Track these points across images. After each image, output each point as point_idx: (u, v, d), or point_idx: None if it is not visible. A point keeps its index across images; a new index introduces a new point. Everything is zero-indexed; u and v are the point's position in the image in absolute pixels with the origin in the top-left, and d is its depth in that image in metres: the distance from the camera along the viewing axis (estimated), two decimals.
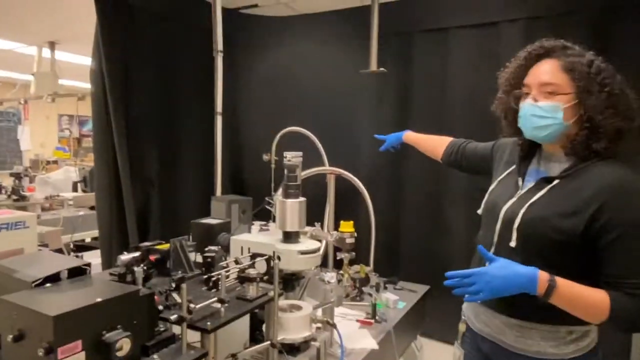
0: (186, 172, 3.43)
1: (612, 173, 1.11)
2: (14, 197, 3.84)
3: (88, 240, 4.18)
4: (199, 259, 1.64)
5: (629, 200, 1.08)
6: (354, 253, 1.99)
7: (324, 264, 1.95)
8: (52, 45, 4.80)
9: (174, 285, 1.27)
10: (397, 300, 2.30)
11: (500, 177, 1.34)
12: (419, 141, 1.95)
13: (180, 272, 1.42)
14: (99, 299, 0.95)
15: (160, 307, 1.18)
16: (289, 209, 1.56)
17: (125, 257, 1.40)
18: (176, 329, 1.17)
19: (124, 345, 0.95)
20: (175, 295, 1.24)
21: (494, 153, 1.48)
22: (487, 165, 1.51)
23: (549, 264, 1.14)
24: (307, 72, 3.62)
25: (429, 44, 3.16)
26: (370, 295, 2.18)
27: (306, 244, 1.60)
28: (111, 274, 1.42)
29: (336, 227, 2.37)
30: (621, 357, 2.51)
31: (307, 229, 1.96)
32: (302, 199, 1.59)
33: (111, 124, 2.95)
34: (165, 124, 3.30)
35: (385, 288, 2.45)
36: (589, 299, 1.11)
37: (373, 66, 3.11)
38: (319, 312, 1.76)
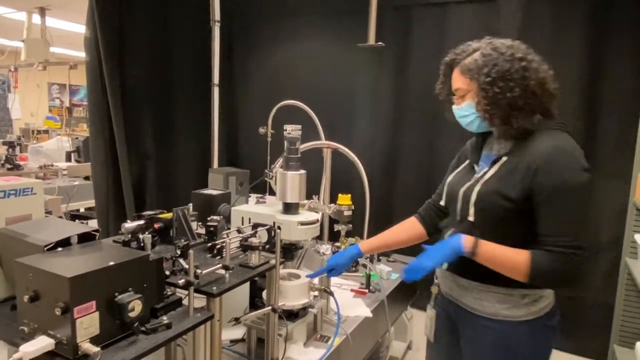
0: (182, 144, 3.44)
1: (545, 142, 1.21)
2: (8, 165, 3.83)
3: (82, 210, 4.20)
4: (200, 230, 1.69)
5: (555, 164, 1.18)
6: (351, 225, 2.04)
7: (319, 237, 2.00)
8: (42, 11, 4.69)
9: (179, 252, 1.32)
10: (390, 271, 2.37)
11: (457, 170, 1.47)
12: (382, 242, 1.64)
13: (183, 240, 1.45)
14: (111, 263, 0.98)
15: (168, 272, 1.22)
16: (290, 181, 1.59)
17: (130, 224, 1.42)
18: (182, 293, 1.21)
19: (136, 306, 1.00)
20: (181, 261, 1.28)
21: (459, 163, 1.53)
22: None
23: (504, 235, 1.24)
24: (304, 46, 3.60)
25: (427, 19, 3.15)
26: (365, 266, 2.26)
27: (305, 215, 1.64)
28: (115, 242, 1.46)
29: (332, 200, 2.42)
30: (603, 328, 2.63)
31: (305, 201, 2.01)
32: (302, 171, 1.62)
33: (106, 93, 2.93)
34: (161, 94, 3.29)
35: (379, 260, 2.52)
36: (512, 257, 1.21)
37: (371, 40, 3.11)
38: (316, 281, 1.83)
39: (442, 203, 1.48)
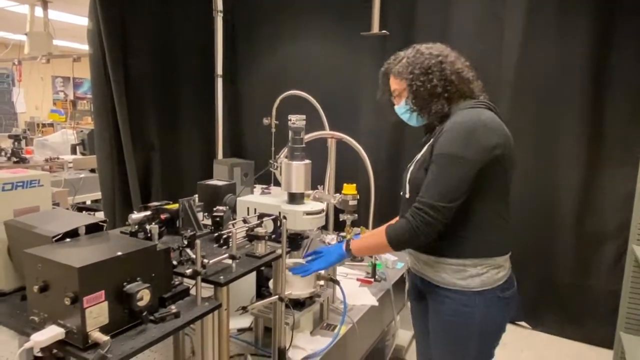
0: (187, 135, 3.44)
1: (450, 120, 1.37)
2: (14, 159, 3.85)
3: (88, 202, 4.22)
4: (206, 220, 1.70)
5: (443, 138, 1.33)
6: (356, 215, 2.04)
7: (324, 226, 2.01)
8: (44, 4, 4.67)
9: (186, 242, 1.33)
10: (395, 260, 2.38)
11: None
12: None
13: (189, 230, 1.46)
14: (119, 253, 0.99)
15: (175, 262, 1.23)
16: (295, 171, 1.60)
17: (137, 215, 1.43)
18: (189, 283, 1.22)
19: (144, 295, 1.01)
20: (188, 251, 1.29)
21: None
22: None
23: None
24: (308, 36, 3.57)
25: (432, 6, 3.12)
26: (371, 256, 2.26)
27: (310, 205, 1.64)
28: (122, 232, 1.47)
29: (337, 190, 2.41)
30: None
31: (310, 191, 2.01)
32: (307, 161, 1.62)
33: (110, 85, 2.93)
34: (165, 86, 3.28)
35: None
36: (374, 236, 1.46)
37: (375, 28, 3.08)
38: (322, 271, 1.84)
39: (402, 193, 1.60)
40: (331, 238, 2.35)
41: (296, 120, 1.62)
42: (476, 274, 1.37)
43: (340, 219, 2.09)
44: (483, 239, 1.38)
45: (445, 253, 1.39)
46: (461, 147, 1.30)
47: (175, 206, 1.57)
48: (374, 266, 2.20)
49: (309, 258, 1.60)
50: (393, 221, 1.45)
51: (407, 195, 1.46)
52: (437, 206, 1.29)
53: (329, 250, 1.58)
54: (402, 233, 1.36)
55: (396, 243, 1.39)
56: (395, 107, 1.56)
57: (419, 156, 1.48)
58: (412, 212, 1.34)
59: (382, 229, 1.42)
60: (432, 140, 1.41)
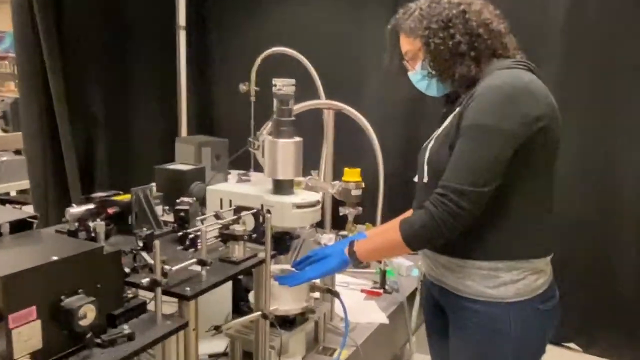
0: (141, 105, 3.42)
1: (481, 84, 1.37)
2: None
3: (13, 193, 4.20)
4: (167, 216, 1.69)
5: (475, 106, 1.33)
6: (360, 208, 2.05)
7: (319, 224, 2.02)
8: None
9: (141, 243, 1.32)
10: (410, 266, 2.40)
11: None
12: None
13: (145, 228, 1.46)
14: (55, 257, 0.98)
15: (127, 270, 1.23)
16: (282, 151, 1.60)
17: (77, 209, 1.44)
18: (146, 296, 1.22)
19: (88, 312, 1.00)
20: (145, 255, 1.29)
21: None
22: None
23: None
24: None
25: None
26: (379, 261, 2.27)
27: (302, 195, 1.66)
28: (58, 232, 1.46)
29: (336, 176, 2.42)
30: None
31: (301, 178, 2.01)
32: (297, 138, 1.62)
33: (40, 40, 2.89)
34: (112, 42, 3.25)
35: None
36: (386, 234, 1.46)
37: None
38: (317, 280, 1.85)
39: (415, 179, 1.62)
40: (329, 238, 2.35)
41: (283, 85, 1.61)
42: (510, 281, 1.38)
43: (341, 214, 2.10)
44: (520, 237, 1.39)
45: (472, 254, 1.40)
46: (497, 117, 1.30)
47: (126, 197, 1.57)
48: (383, 273, 2.22)
49: (302, 264, 1.59)
50: (407, 213, 1.46)
51: (425, 180, 1.47)
52: (466, 191, 1.30)
53: (326, 253, 1.57)
54: (421, 227, 1.36)
55: (414, 240, 1.39)
56: (409, 73, 1.56)
57: (440, 130, 1.49)
58: (433, 200, 1.34)
59: (395, 223, 1.43)
60: (457, 109, 1.42)
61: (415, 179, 1.61)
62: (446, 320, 1.53)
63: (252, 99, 2.97)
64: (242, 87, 2.95)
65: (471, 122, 1.33)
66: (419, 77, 1.52)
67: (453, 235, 1.34)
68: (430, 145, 1.49)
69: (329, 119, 2.67)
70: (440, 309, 1.56)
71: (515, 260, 1.38)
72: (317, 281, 1.81)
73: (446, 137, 1.42)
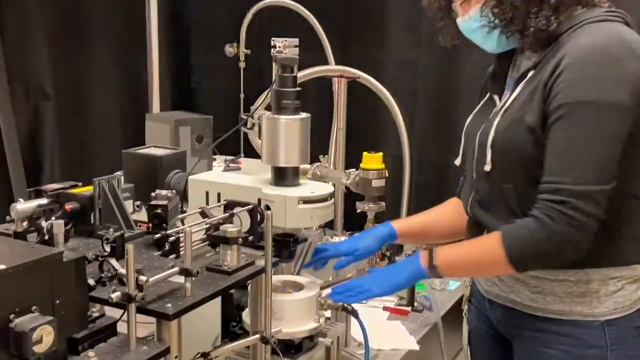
0: (100, 74, 3.42)
1: (574, 42, 1.34)
2: None
3: None
4: (138, 213, 1.72)
5: (574, 71, 1.30)
6: (383, 203, 2.06)
7: (328, 224, 2.02)
8: None
9: (108, 248, 1.32)
10: (445, 279, 2.41)
11: (475, 110, 1.62)
12: (422, 225, 1.85)
13: (112, 229, 1.44)
14: (2, 266, 0.97)
15: (92, 282, 1.23)
16: (284, 130, 1.60)
17: (25, 205, 1.41)
18: (115, 315, 1.24)
19: (44, 335, 0.99)
20: (113, 262, 1.28)
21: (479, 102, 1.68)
22: None
23: (532, 185, 1.36)
24: None
25: None
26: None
27: (310, 187, 1.67)
28: (1, 234, 1.45)
29: (351, 163, 2.43)
30: None
31: (307, 165, 2.02)
32: (304, 114, 1.63)
33: None
34: None
35: None
36: (476, 244, 1.44)
37: None
38: (328, 297, 1.86)
39: (457, 162, 1.62)
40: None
41: (284, 46, 1.61)
42: (605, 294, 1.36)
43: (358, 210, 2.11)
44: (622, 238, 1.37)
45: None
46: (607, 88, 1.28)
47: (87, 190, 1.57)
48: (411, 287, 2.23)
49: (342, 283, 1.59)
50: (495, 233, 1.39)
51: (488, 168, 1.44)
52: (592, 193, 1.26)
53: (394, 266, 1.53)
54: (535, 244, 1.33)
55: (523, 260, 1.35)
56: (460, 19, 1.53)
57: (508, 102, 1.45)
58: (546, 209, 1.30)
59: (493, 237, 1.38)
60: (534, 75, 1.39)
61: (457, 162, 1.62)
62: (508, 354, 1.52)
63: (242, 64, 2.98)
64: (229, 50, 2.96)
65: (574, 97, 1.29)
66: (475, 25, 1.48)
67: (576, 255, 1.31)
68: (495, 123, 1.44)
69: (340, 90, 2.67)
70: (499, 338, 1.54)
71: (611, 267, 1.36)
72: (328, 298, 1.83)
73: (520, 112, 1.39)
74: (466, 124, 1.62)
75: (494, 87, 1.57)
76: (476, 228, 1.56)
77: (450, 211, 1.76)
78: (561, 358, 1.38)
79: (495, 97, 1.54)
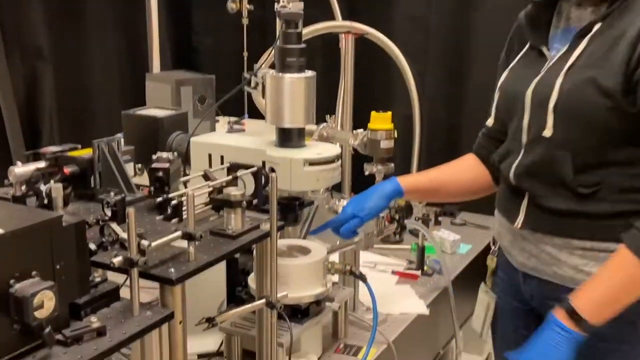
0: (98, 33, 3.40)
1: None
2: None
3: None
4: (139, 176, 1.70)
5: None
6: (392, 165, 2.03)
7: (335, 187, 2.01)
8: None
9: (109, 212, 1.32)
10: (456, 241, 2.41)
11: (513, 63, 1.53)
12: (431, 182, 1.82)
13: (112, 192, 1.45)
14: (0, 231, 0.97)
15: (93, 247, 1.23)
16: (289, 89, 1.59)
17: (23, 169, 1.42)
18: (118, 279, 1.23)
19: (45, 301, 0.99)
20: (115, 226, 1.29)
21: (511, 55, 1.59)
22: None
23: (603, 157, 1.31)
24: None
25: None
26: (415, 233, 2.28)
27: (316, 149, 1.66)
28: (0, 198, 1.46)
29: (358, 123, 2.40)
30: None
31: (313, 126, 2.00)
32: (309, 72, 1.62)
33: None
34: None
35: (439, 222, 2.54)
36: (617, 268, 1.29)
37: None
38: (336, 259, 1.85)
39: (489, 122, 1.58)
40: None
41: (288, 1, 1.59)
42: None
43: (366, 172, 2.08)
44: None
45: (605, 231, 1.34)
46: None
47: (86, 152, 1.57)
48: (421, 250, 2.22)
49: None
50: (621, 246, 1.30)
51: (549, 134, 1.36)
52: None
53: (542, 338, 1.34)
54: None
55: None
56: None
57: (572, 58, 1.35)
58: None
59: (622, 255, 1.29)
60: (598, 26, 1.33)
61: (489, 123, 1.58)
62: (537, 327, 1.45)
63: (245, 21, 2.94)
64: (231, 6, 2.92)
65: None
66: None
67: None
68: (558, 82, 1.35)
69: (347, 47, 2.63)
70: (529, 311, 1.51)
71: None
72: (337, 260, 1.82)
73: (590, 72, 1.31)
74: (502, 78, 1.55)
75: (536, 37, 1.48)
76: (512, 195, 1.50)
77: (468, 168, 1.73)
78: (606, 334, 1.33)
79: (544, 50, 1.46)
